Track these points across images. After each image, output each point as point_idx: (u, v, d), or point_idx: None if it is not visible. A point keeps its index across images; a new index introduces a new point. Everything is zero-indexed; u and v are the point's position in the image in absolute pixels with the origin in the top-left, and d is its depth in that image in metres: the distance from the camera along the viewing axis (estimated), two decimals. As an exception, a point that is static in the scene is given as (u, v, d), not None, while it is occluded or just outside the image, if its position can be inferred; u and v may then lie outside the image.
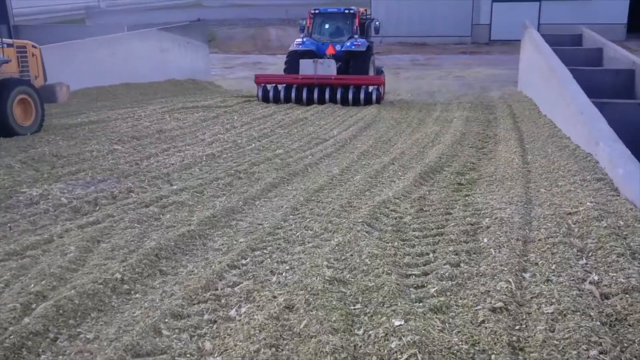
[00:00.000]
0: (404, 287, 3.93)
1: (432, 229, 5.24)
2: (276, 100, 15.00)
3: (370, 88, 14.65)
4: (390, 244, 4.79)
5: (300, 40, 16.17)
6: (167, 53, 19.36)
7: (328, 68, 14.78)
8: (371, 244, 4.66)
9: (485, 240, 4.76)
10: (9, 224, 5.53)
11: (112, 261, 4.54)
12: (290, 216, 5.81)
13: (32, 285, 4.05)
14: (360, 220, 5.30)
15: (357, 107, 14.15)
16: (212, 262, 4.60)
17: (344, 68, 15.56)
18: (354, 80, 14.75)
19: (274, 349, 3.16)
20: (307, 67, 14.91)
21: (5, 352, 3.11)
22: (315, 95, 14.69)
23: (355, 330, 3.38)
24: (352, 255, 4.50)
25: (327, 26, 16.74)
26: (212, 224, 5.53)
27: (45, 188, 6.63)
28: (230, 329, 3.47)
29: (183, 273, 4.44)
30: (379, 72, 16.46)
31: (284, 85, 15.18)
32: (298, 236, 5.19)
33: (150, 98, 14.91)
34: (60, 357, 3.20)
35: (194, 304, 3.82)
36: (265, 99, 15.13)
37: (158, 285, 4.22)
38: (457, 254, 4.51)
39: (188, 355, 3.18)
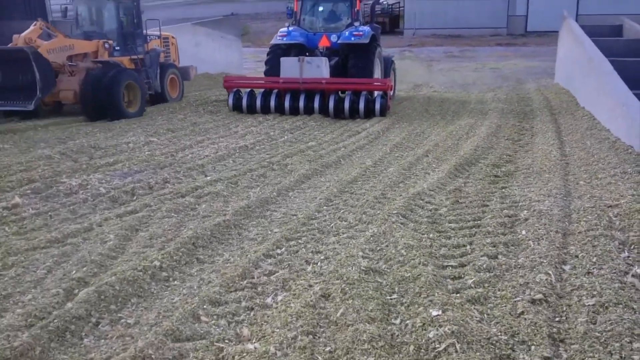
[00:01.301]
0: (441, 278, 3.90)
1: (469, 221, 5.17)
2: (251, 110, 11.87)
3: (375, 94, 11.64)
4: (425, 235, 4.75)
5: (284, 30, 12.61)
6: (201, 47, 19.52)
7: (317, 69, 11.60)
8: (406, 235, 4.63)
9: (524, 232, 4.68)
10: (49, 213, 5.67)
11: (151, 249, 4.61)
12: (324, 207, 5.81)
13: (74, 271, 4.15)
14: (395, 211, 5.27)
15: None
16: (247, 251, 4.64)
17: (342, 65, 12.41)
18: (351, 85, 11.57)
19: (311, 336, 3.17)
20: (289, 67, 11.73)
21: (50, 336, 3.20)
22: (301, 104, 11.55)
23: (392, 320, 3.37)
24: (387, 246, 4.48)
25: (319, 10, 13.22)
26: (246, 214, 5.58)
27: (84, 178, 6.78)
28: (267, 316, 3.50)
29: (219, 261, 4.49)
30: (389, 63, 13.70)
31: (262, 90, 12.02)
32: (332, 227, 5.19)
33: (185, 91, 15.07)
34: (102, 341, 3.27)
35: (231, 292, 3.86)
36: (237, 107, 11.99)
37: (195, 273, 4.27)
38: (494, 246, 4.45)
39: (226, 341, 3.22)
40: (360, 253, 4.31)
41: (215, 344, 3.18)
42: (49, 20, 22.82)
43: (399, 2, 37.81)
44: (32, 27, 11.24)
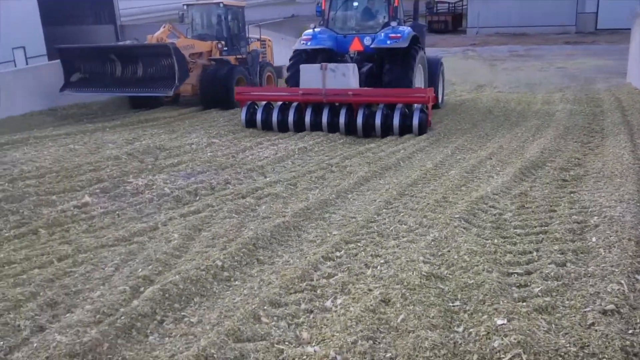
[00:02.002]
0: (506, 285, 3.77)
1: (535, 227, 4.99)
2: (267, 126, 10.39)
3: (414, 107, 9.80)
4: (490, 241, 4.62)
5: (309, 32, 11.03)
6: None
7: (343, 78, 9.81)
8: (469, 241, 4.51)
9: (594, 239, 4.47)
10: (117, 212, 5.88)
11: (213, 249, 4.69)
12: (384, 210, 5.75)
13: (140, 269, 4.27)
14: (457, 215, 5.15)
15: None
16: (307, 253, 4.65)
17: (378, 73, 10.72)
18: (383, 97, 9.84)
19: (371, 342, 3.14)
20: (310, 76, 10.01)
21: (117, 332, 3.30)
22: (324, 119, 9.93)
23: (455, 328, 3.28)
24: (449, 251, 4.38)
25: (352, 7, 11.56)
26: (305, 216, 5.59)
27: (149, 178, 6.99)
28: (327, 319, 3.49)
29: (279, 263, 4.52)
30: (436, 66, 12.13)
31: (280, 104, 10.42)
32: (392, 230, 5.13)
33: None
34: (167, 338, 3.35)
35: (290, 293, 3.87)
36: (251, 123, 10.55)
37: (256, 274, 4.31)
38: (562, 253, 4.27)
39: (287, 343, 3.22)
40: (421, 258, 4.23)
41: (275, 345, 3.19)
42: (119, 25, 23.84)
43: (462, 0, 37.10)
44: (162, 29, 13.45)
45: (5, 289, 3.94)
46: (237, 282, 4.17)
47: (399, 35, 10.18)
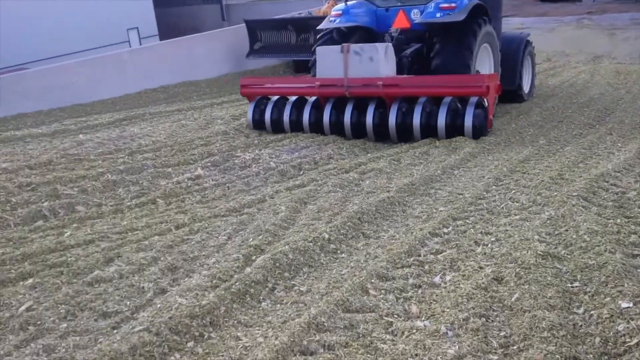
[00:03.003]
0: (631, 267, 3.51)
1: (663, 207, 4.60)
2: (278, 127, 8.32)
3: (472, 101, 7.24)
4: (612, 220, 4.31)
5: (341, 6, 8.96)
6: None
7: (371, 63, 7.58)
8: (589, 220, 4.24)
9: None
10: (227, 184, 6.11)
11: (319, 222, 4.76)
12: (493, 187, 5.54)
13: (251, 239, 4.42)
14: (575, 193, 4.85)
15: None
16: (412, 229, 4.59)
17: (427, 56, 8.33)
18: (421, 88, 7.45)
19: (483, 319, 3.05)
20: (329, 61, 7.86)
21: (232, 297, 3.44)
22: (347, 119, 7.77)
23: (575, 309, 3.11)
24: (567, 230, 4.14)
25: None
26: (410, 192, 5.51)
27: (256, 153, 7.19)
28: (436, 295, 3.43)
29: (385, 237, 4.50)
30: (518, 45, 9.59)
31: (294, 99, 8.38)
32: (503, 208, 4.93)
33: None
34: (279, 305, 3.45)
35: (397, 268, 3.84)
36: (259, 123, 8.47)
37: (362, 247, 4.33)
38: (697, 236, 3.91)
39: (395, 316, 3.21)
40: (536, 236, 4.04)
41: (384, 317, 3.19)
42: (224, 4, 24.60)
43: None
44: (326, 4, 15.46)
45: (129, 253, 4.22)
46: (343, 255, 4.20)
47: (453, 5, 7.80)
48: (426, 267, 3.86)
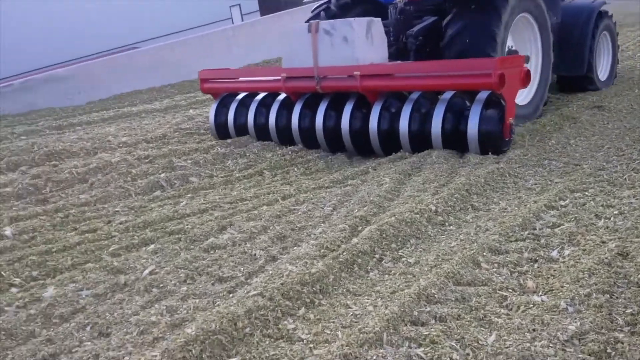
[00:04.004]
0: None
1: None
2: (242, 132, 6.78)
3: (481, 97, 5.32)
4: None
5: None
6: None
7: (345, 45, 5.82)
8: None
9: None
10: (329, 157, 6.14)
11: (425, 193, 4.67)
12: (614, 157, 5.16)
13: (356, 210, 4.42)
14: None
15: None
16: (526, 201, 4.38)
17: (435, 38, 6.43)
18: (410, 81, 5.69)
19: (607, 295, 2.86)
20: (298, 45, 6.15)
21: (340, 266, 3.47)
22: (319, 123, 6.07)
23: None
24: (702, 203, 3.78)
25: None
26: (522, 163, 5.27)
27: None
28: (554, 270, 3.26)
29: (495, 210, 4.34)
30: (588, 18, 7.63)
31: (261, 96, 6.78)
32: (626, 179, 4.58)
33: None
34: (387, 275, 3.44)
35: (511, 241, 3.69)
36: (222, 128, 6.93)
37: (471, 220, 4.20)
38: None
39: (510, 290, 3.09)
40: (666, 210, 3.72)
41: (498, 291, 3.08)
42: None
43: None
44: None
45: (240, 222, 4.38)
46: (451, 227, 4.10)
47: None
48: (542, 240, 3.67)
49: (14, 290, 3.47)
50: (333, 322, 2.92)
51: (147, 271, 3.60)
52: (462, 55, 5.87)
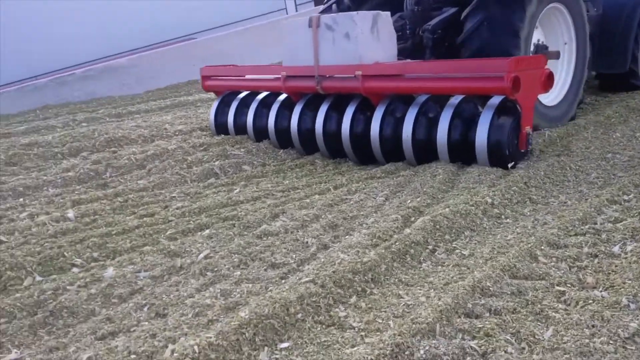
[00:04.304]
0: None
1: None
2: (241, 132, 6.54)
3: (492, 103, 4.75)
4: None
5: None
6: None
7: (347, 43, 5.34)
8: None
9: None
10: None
11: (480, 185, 4.57)
12: (684, 151, 4.92)
13: (409, 200, 4.38)
14: None
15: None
16: (587, 195, 4.24)
17: (455, 32, 5.83)
18: (416, 83, 5.17)
19: (675, 295, 2.73)
20: (297, 41, 5.76)
21: (393, 256, 3.44)
22: (319, 126, 5.63)
23: None
24: None
25: None
26: (584, 156, 5.09)
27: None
28: (615, 266, 3.14)
29: (555, 203, 4.21)
30: (634, 9, 6.90)
31: (262, 96, 6.45)
32: (696, 174, 4.36)
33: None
34: (440, 267, 3.40)
35: (570, 235, 3.57)
36: (222, 127, 6.73)
37: (529, 213, 4.09)
38: None
39: (569, 285, 3.00)
40: None
41: (555, 286, 2.99)
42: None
43: None
44: None
45: (293, 210, 4.41)
46: (508, 220, 4.01)
47: None
48: (603, 235, 3.54)
49: (75, 270, 3.61)
50: (385, 311, 2.91)
51: (202, 255, 3.67)
52: (480, 54, 5.36)
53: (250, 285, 3.22)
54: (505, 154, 4.71)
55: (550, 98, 5.94)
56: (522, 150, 4.86)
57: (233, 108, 6.65)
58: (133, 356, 2.49)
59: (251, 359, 2.55)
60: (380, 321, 2.81)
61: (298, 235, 3.93)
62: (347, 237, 3.85)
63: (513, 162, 4.78)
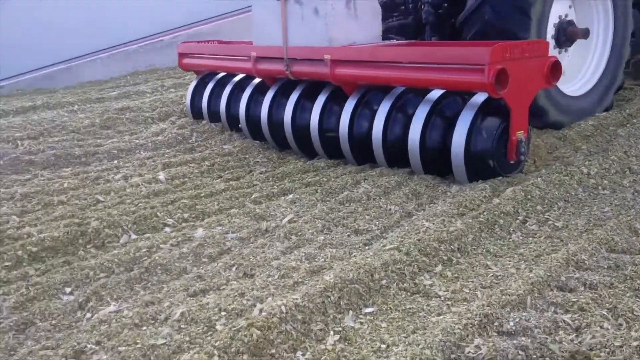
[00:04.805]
0: None
1: None
2: (215, 119, 5.99)
3: (474, 100, 3.86)
4: None
5: None
6: None
7: (315, 19, 4.52)
8: None
9: None
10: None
11: (576, 155, 4.34)
12: None
13: (497, 169, 4.22)
14: None
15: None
16: (695, 167, 3.92)
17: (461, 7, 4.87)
18: (390, 71, 4.17)
19: None
20: (266, 18, 5.00)
21: (480, 226, 3.35)
22: (288, 118, 4.88)
23: None
24: None
25: None
26: (691, 125, 4.71)
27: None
28: None
29: (658, 174, 3.94)
30: None
31: (238, 78, 5.79)
32: None
33: None
34: (530, 238, 3.27)
35: (675, 209, 3.34)
36: (197, 112, 6.25)
37: (628, 184, 3.86)
38: None
39: (674, 262, 2.81)
40: None
41: (657, 262, 2.81)
42: None
43: None
44: None
45: (374, 177, 4.32)
46: (605, 191, 3.79)
47: None
48: None
49: (167, 229, 3.77)
50: (472, 281, 2.84)
51: (286, 219, 3.73)
52: (481, 36, 4.61)
53: (334, 250, 3.23)
54: (489, 166, 3.81)
55: (577, 86, 5.16)
56: (512, 162, 3.86)
57: (207, 91, 5.99)
58: (223, 313, 2.58)
59: (336, 321, 2.57)
60: (467, 291, 2.75)
61: (381, 202, 3.89)
62: (431, 205, 3.78)
63: (500, 177, 3.88)
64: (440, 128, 3.98)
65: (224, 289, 2.89)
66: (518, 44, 3.66)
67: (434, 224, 3.37)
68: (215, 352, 2.26)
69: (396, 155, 4.22)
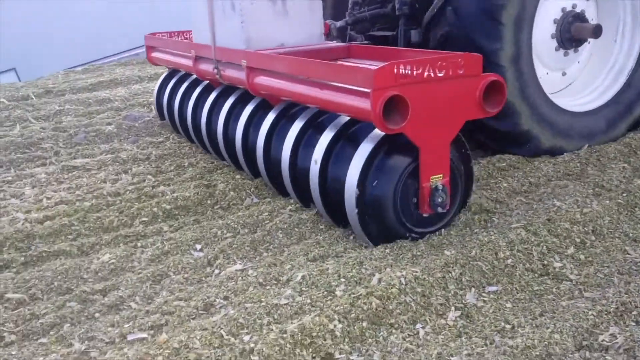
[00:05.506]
0: None
1: None
2: (173, 120, 5.15)
3: (375, 132, 2.80)
4: None
5: None
6: None
7: (232, 15, 3.75)
8: None
9: None
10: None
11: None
12: None
13: None
14: None
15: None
16: None
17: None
18: (290, 86, 3.28)
19: None
20: (197, 11, 4.23)
21: (619, 208, 3.12)
22: (220, 126, 4.05)
23: None
24: None
25: None
26: None
27: None
28: None
29: None
30: None
31: (193, 78, 4.86)
32: None
33: None
34: None
35: None
36: (161, 112, 5.48)
37: None
38: None
39: None
40: None
41: None
42: None
43: None
44: None
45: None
46: None
47: None
48: None
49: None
50: (607, 266, 2.65)
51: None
52: (446, 44, 3.71)
53: (456, 227, 3.14)
54: (391, 219, 2.87)
55: (587, 99, 4.17)
56: (425, 215, 2.93)
57: (168, 89, 5.24)
58: (342, 279, 2.60)
59: (457, 297, 2.50)
60: (602, 276, 2.57)
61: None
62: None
63: (409, 235, 2.93)
64: (342, 164, 2.96)
65: (342, 256, 2.91)
66: (428, 60, 2.64)
67: (566, 204, 3.16)
68: (336, 316, 2.29)
69: (305, 189, 3.26)
